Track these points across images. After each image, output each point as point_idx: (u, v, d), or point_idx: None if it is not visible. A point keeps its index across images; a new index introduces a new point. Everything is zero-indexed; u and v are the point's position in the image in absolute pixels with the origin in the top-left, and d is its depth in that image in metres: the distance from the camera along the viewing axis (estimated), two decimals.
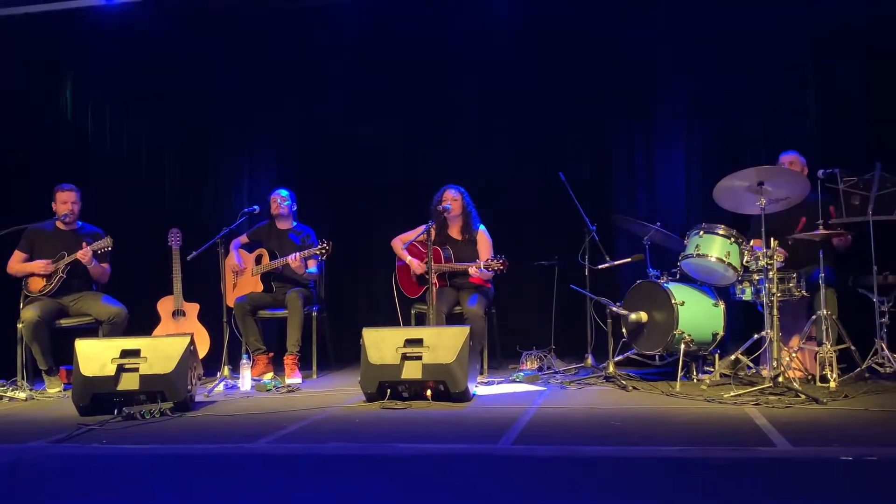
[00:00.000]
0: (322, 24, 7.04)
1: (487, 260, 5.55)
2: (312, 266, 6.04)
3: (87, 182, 6.13)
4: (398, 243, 6.03)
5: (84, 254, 5.55)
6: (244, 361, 5.33)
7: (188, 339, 4.52)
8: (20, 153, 7.14)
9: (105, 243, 5.64)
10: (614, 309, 5.25)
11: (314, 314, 5.94)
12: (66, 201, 5.72)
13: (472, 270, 5.61)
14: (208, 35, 7.18)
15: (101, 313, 5.59)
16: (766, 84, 6.37)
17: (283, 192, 6.20)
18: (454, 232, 5.99)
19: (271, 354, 5.97)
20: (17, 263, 5.70)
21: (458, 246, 5.92)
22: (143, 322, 6.11)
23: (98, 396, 4.37)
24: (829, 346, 4.61)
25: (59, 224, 5.77)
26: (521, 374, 5.39)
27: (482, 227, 5.96)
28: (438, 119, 6.98)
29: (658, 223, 5.55)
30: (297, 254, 5.80)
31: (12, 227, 5.65)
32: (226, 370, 5.50)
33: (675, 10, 6.53)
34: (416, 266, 5.87)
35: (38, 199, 6.44)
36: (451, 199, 5.89)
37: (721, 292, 5.23)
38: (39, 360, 5.47)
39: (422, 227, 5.70)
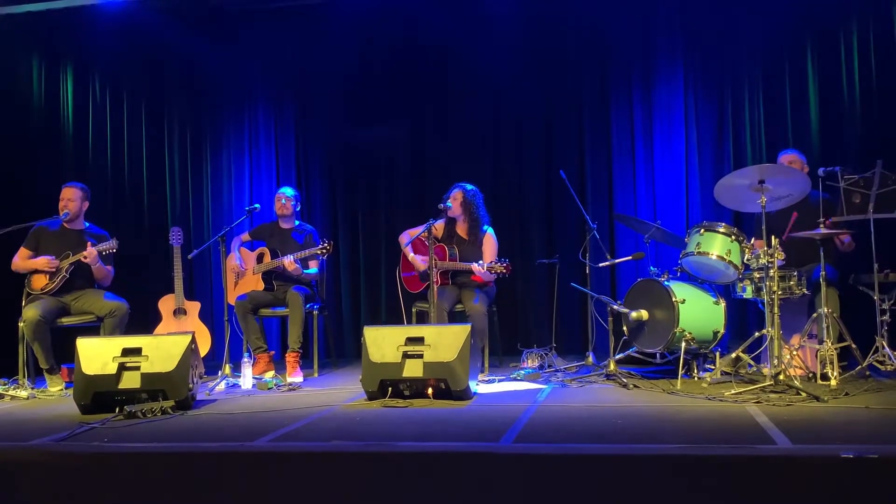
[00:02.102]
0: (324, 20, 7.05)
1: (491, 262, 5.55)
2: (313, 266, 6.04)
3: (88, 180, 6.14)
4: (405, 238, 6.02)
5: (90, 253, 5.55)
6: (245, 360, 5.34)
7: (189, 338, 4.52)
8: (21, 151, 7.16)
9: (110, 245, 5.64)
10: (615, 307, 5.25)
11: (315, 312, 5.94)
12: (63, 198, 5.72)
13: (474, 268, 5.60)
14: (209, 33, 7.19)
15: (101, 309, 5.59)
16: (767, 81, 6.38)
17: (289, 193, 6.16)
18: (461, 231, 5.98)
19: (272, 353, 5.98)
20: (21, 260, 5.70)
21: (464, 245, 5.90)
22: (144, 320, 6.12)
23: (99, 395, 4.37)
24: (829, 344, 4.60)
25: (65, 224, 5.77)
26: (523, 372, 5.39)
27: (490, 230, 5.92)
28: (441, 116, 6.98)
29: (659, 221, 5.56)
30: (292, 256, 5.78)
31: (19, 224, 5.66)
32: (227, 368, 5.50)
33: (674, 4, 6.54)
34: (419, 264, 5.86)
35: (37, 197, 6.46)
36: (452, 198, 5.88)
37: (722, 290, 5.24)
38: (41, 358, 5.47)
39: (426, 225, 5.70)
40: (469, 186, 5.93)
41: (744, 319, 6.18)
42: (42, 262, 5.60)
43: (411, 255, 5.92)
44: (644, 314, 5.11)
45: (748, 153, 6.36)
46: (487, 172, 6.82)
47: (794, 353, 4.73)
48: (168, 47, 7.24)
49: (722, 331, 5.07)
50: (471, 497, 3.02)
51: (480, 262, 5.62)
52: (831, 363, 4.55)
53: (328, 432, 3.79)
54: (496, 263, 5.51)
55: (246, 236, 6.28)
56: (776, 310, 4.51)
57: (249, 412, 4.35)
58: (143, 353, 4.42)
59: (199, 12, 7.13)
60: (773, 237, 4.59)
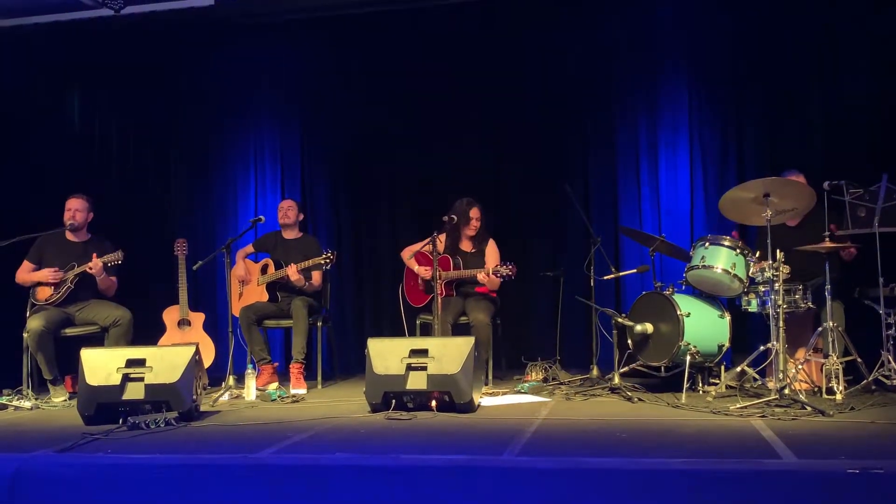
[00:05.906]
0: (329, 33, 7.07)
1: (496, 266, 5.57)
2: (317, 277, 6.03)
3: (94, 192, 6.15)
4: (407, 253, 6.04)
5: (95, 264, 5.56)
6: (249, 371, 5.33)
7: (193, 349, 4.52)
8: (28, 163, 7.18)
9: (116, 257, 5.64)
10: (620, 320, 5.24)
11: (319, 324, 5.93)
12: (69, 208, 5.74)
13: (480, 276, 5.62)
14: (215, 45, 7.22)
15: (105, 319, 5.60)
16: (770, 98, 6.38)
17: (290, 202, 6.22)
18: (465, 244, 6.00)
19: (276, 364, 5.97)
20: (25, 273, 5.71)
21: (468, 257, 5.92)
22: (148, 331, 6.12)
23: (103, 406, 4.37)
24: (835, 358, 4.59)
25: (69, 235, 5.78)
26: (527, 384, 5.39)
27: (491, 240, 5.98)
28: (446, 129, 6.97)
29: (664, 234, 5.55)
30: (295, 266, 5.78)
31: (24, 236, 5.67)
32: (231, 380, 5.50)
33: (678, 20, 6.55)
34: (425, 271, 5.86)
35: (42, 209, 6.46)
36: (475, 218, 5.90)
37: (727, 303, 5.22)
38: (44, 369, 5.48)
39: (429, 238, 5.70)
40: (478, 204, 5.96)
41: (749, 333, 6.16)
42: (45, 273, 5.61)
43: (417, 268, 5.92)
44: (649, 327, 5.10)
45: (753, 168, 6.35)
46: (491, 185, 6.82)
47: (800, 367, 4.71)
48: (175, 60, 7.27)
49: (727, 344, 5.06)
50: None
51: (485, 266, 5.64)
52: (837, 377, 4.53)
53: (331, 444, 3.79)
54: (501, 266, 5.52)
55: (250, 248, 6.29)
56: (781, 323, 4.50)
57: (253, 424, 4.35)
58: (147, 364, 4.42)
59: (206, 25, 7.15)
60: (778, 251, 4.57)
